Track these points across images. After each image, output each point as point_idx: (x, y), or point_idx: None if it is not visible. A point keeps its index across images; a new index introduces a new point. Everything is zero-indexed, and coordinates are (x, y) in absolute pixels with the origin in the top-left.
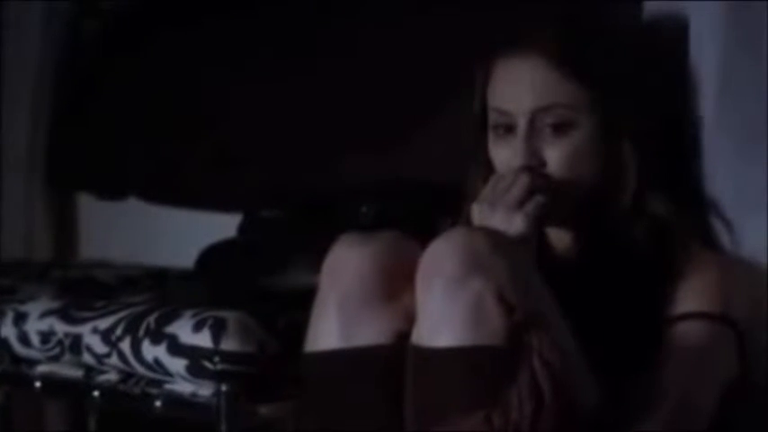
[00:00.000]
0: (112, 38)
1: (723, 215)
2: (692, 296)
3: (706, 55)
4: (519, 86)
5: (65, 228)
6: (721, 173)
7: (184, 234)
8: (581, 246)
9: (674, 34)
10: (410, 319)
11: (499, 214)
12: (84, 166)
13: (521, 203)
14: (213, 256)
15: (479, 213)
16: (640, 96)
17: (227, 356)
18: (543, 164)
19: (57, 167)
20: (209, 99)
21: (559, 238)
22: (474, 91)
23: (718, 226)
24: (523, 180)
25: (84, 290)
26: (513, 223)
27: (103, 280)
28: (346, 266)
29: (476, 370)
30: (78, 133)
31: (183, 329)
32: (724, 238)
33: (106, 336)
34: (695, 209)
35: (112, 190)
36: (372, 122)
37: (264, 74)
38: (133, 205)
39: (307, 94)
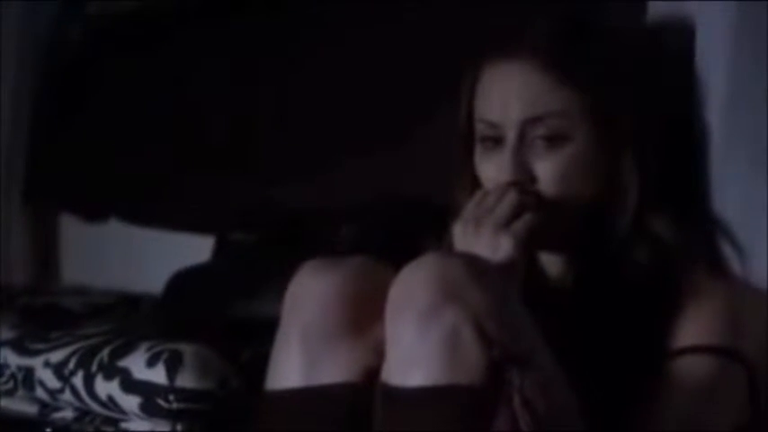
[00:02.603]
0: (95, 54)
1: (733, 237)
2: (696, 328)
3: (714, 65)
4: (507, 95)
5: (46, 251)
6: (730, 191)
7: (170, 258)
8: (576, 271)
9: (679, 37)
10: (380, 354)
11: (484, 236)
12: (64, 186)
13: (508, 223)
14: (182, 282)
15: (462, 234)
16: (642, 104)
17: (182, 394)
18: (534, 179)
19: (36, 187)
20: (191, 118)
21: (552, 262)
22: (460, 100)
23: (727, 249)
24: (511, 197)
25: (44, 319)
26: (499, 246)
27: (69, 308)
28: (309, 296)
29: (450, 411)
30: (58, 151)
31: (136, 364)
32: (734, 263)
33: (58, 370)
34: (702, 230)
35: (93, 211)
36: (353, 139)
37: (243, 95)
38: (118, 228)
39: (283, 112)
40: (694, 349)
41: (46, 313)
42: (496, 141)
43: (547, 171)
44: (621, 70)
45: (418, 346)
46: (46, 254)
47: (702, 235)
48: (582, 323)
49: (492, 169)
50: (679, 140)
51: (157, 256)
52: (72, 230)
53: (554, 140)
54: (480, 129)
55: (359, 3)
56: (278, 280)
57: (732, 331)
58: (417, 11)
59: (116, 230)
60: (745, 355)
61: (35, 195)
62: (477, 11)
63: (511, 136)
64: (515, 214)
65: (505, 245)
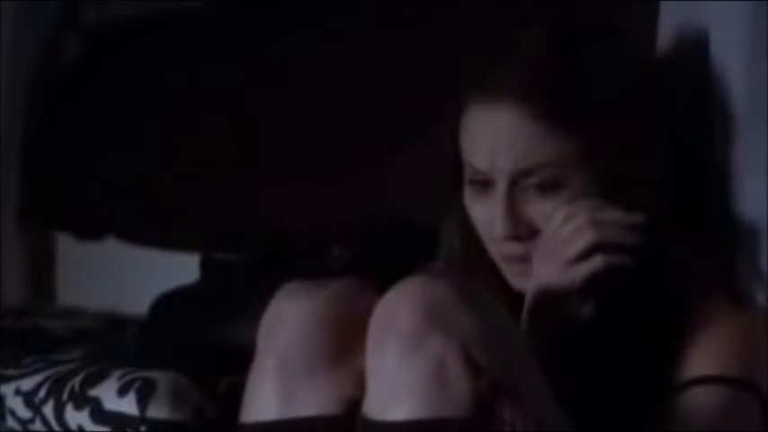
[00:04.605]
0: (89, 67)
1: (758, 270)
2: (710, 357)
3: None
4: (495, 144)
5: (41, 271)
6: (750, 214)
7: (170, 277)
8: (587, 298)
9: (693, 60)
10: (362, 384)
11: (550, 266)
12: (59, 203)
13: (579, 260)
14: (165, 305)
15: (536, 257)
16: (651, 145)
17: (154, 425)
18: (530, 231)
19: (30, 204)
20: (189, 134)
21: None
22: (443, 134)
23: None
24: (588, 237)
25: (22, 343)
26: (560, 281)
27: (51, 331)
28: (287, 321)
29: None
30: (52, 167)
31: (107, 393)
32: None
33: (29, 398)
34: (722, 256)
35: (89, 229)
36: (344, 153)
37: (233, 107)
38: (116, 247)
39: (270, 124)
40: (707, 380)
41: (25, 337)
42: (485, 184)
43: (544, 219)
44: (625, 113)
45: (401, 377)
46: (40, 274)
47: (722, 261)
48: (591, 350)
49: (484, 215)
50: (696, 165)
51: (156, 276)
52: (69, 250)
53: (548, 187)
54: (468, 172)
55: (349, 18)
56: (265, 303)
57: (748, 362)
58: (412, 23)
59: (114, 250)
60: (761, 387)
61: (29, 213)
62: (471, 25)
63: (501, 187)
64: (588, 254)
65: (565, 283)
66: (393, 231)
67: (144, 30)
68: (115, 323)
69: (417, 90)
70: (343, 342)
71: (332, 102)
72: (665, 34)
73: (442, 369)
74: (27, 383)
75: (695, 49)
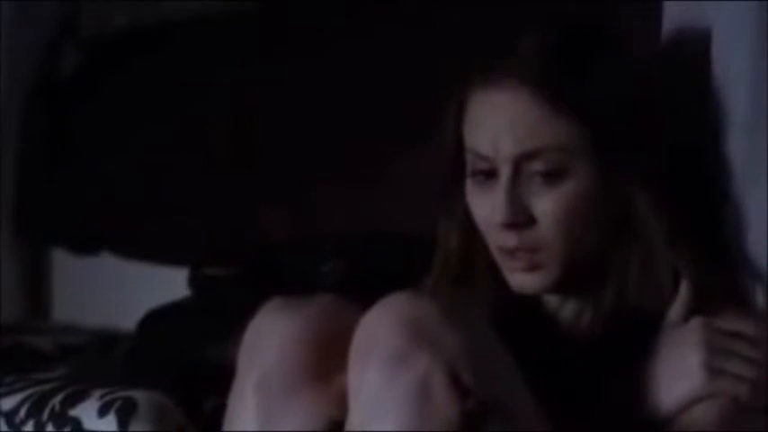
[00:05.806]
0: (87, 80)
1: (759, 275)
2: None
3: (733, 78)
4: (498, 128)
5: (37, 286)
6: (754, 216)
7: (169, 292)
8: (592, 312)
9: (694, 51)
10: (346, 404)
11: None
12: (54, 218)
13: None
14: (153, 321)
15: None
16: (651, 137)
17: None
18: (532, 220)
19: (26, 218)
20: (181, 145)
21: (562, 302)
22: (445, 127)
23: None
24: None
25: (6, 361)
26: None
27: (38, 348)
28: (268, 340)
29: None
30: (48, 181)
31: (88, 413)
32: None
33: (9, 418)
34: (723, 267)
35: (84, 243)
36: (338, 164)
37: (228, 114)
38: (113, 262)
39: (261, 131)
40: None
41: (11, 354)
42: (489, 175)
43: (545, 211)
44: (626, 99)
45: (384, 396)
46: (36, 289)
47: (723, 272)
48: (593, 366)
49: (485, 207)
50: (695, 171)
51: (155, 291)
52: (65, 265)
53: (552, 175)
54: (471, 161)
55: (340, 25)
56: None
57: None
58: (404, 30)
59: (111, 264)
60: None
61: (25, 228)
62: (466, 30)
63: (504, 172)
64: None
65: None
66: (388, 244)
67: (143, 39)
68: (108, 340)
69: (419, 96)
70: (325, 360)
71: (323, 114)
72: (668, 33)
73: (427, 388)
74: (7, 403)
75: (697, 49)
